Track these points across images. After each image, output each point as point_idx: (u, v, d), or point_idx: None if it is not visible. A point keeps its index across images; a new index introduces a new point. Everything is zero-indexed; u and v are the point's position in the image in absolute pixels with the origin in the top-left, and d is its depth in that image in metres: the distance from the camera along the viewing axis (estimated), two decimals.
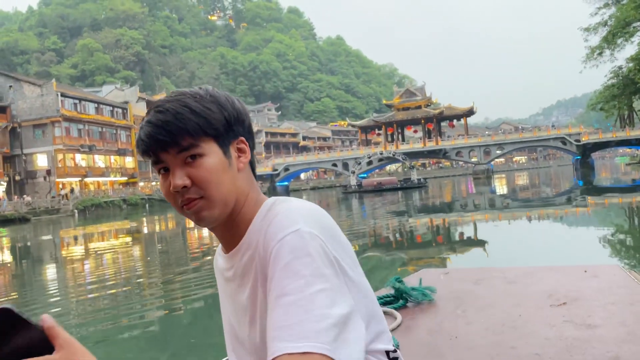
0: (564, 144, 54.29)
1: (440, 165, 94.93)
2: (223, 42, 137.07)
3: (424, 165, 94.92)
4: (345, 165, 59.22)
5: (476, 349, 1.07)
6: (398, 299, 1.64)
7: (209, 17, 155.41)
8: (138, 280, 8.96)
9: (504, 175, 63.71)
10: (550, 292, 1.44)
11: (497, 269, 1.77)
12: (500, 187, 37.22)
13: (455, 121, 65.17)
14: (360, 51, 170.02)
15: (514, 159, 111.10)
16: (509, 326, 1.18)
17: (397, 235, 13.53)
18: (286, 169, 62.82)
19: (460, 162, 69.45)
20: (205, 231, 13.46)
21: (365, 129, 65.99)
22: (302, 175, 76.72)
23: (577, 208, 16.71)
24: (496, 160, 66.77)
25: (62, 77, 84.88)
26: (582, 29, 40.95)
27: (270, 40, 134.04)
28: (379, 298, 1.64)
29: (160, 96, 67.89)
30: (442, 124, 69.36)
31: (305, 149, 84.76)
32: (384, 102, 69.58)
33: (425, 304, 1.58)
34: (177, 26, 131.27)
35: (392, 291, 1.68)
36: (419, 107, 62.69)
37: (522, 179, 48.55)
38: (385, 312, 1.50)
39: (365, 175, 57.99)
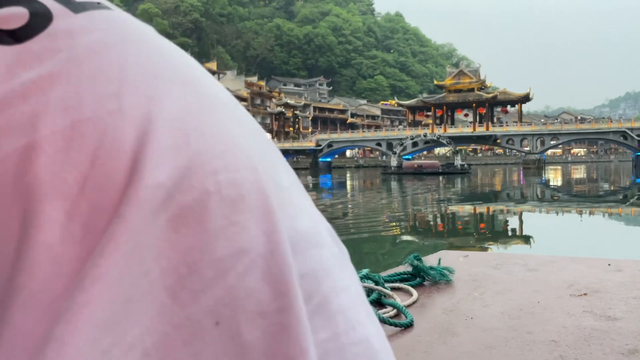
0: (625, 138, 51.64)
1: (495, 151, 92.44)
2: (280, 14, 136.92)
3: (475, 150, 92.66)
4: (390, 146, 58.65)
5: (492, 330, 1.08)
6: (415, 277, 1.65)
7: None
8: None
9: (558, 167, 61.47)
10: (571, 282, 1.43)
11: (518, 256, 1.76)
12: (554, 179, 36.01)
13: (509, 107, 63.08)
14: (419, 29, 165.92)
15: (571, 151, 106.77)
16: (526, 312, 1.19)
17: (436, 221, 13.41)
18: (329, 145, 62.86)
19: (514, 151, 67.53)
20: None
21: (413, 110, 64.96)
22: (348, 153, 76.60)
23: (621, 208, 16.08)
24: (552, 151, 64.43)
25: None
26: None
27: (327, 14, 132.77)
28: (397, 274, 1.66)
29: (212, 65, 68.96)
30: (497, 109, 67.33)
31: (353, 126, 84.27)
32: (435, 82, 68.13)
33: (442, 283, 1.59)
34: None
35: (411, 269, 1.69)
36: (472, 90, 60.99)
37: (576, 173, 46.74)
38: (401, 289, 1.53)
39: (410, 157, 57.32)
